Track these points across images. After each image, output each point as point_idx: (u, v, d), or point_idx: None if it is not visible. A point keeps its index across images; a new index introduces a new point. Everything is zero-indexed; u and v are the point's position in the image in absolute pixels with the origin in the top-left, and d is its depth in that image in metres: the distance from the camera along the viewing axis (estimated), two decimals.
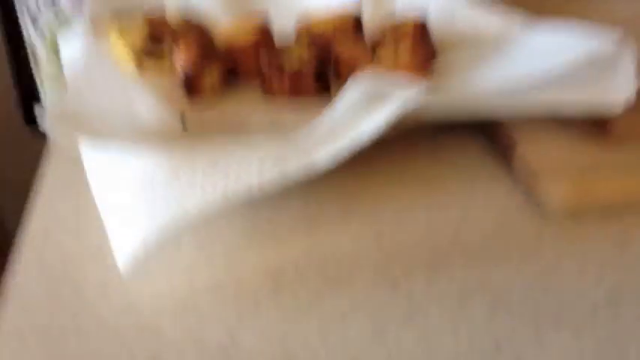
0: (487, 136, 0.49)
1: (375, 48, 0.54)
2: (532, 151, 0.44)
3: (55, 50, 1.50)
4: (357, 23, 0.57)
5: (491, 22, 0.58)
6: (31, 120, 1.66)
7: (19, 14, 1.50)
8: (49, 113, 0.41)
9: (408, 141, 0.49)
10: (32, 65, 1.54)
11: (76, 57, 0.51)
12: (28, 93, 1.63)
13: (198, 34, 0.57)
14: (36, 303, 0.36)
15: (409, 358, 0.33)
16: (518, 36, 0.54)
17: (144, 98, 0.48)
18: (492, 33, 0.56)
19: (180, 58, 0.54)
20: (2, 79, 1.59)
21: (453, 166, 0.47)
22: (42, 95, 1.60)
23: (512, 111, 0.45)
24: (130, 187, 0.38)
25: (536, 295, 0.36)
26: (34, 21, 1.53)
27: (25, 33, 1.54)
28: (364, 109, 0.43)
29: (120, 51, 0.57)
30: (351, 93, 0.43)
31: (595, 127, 0.46)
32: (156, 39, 0.59)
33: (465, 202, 0.43)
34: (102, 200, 0.39)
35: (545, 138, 0.45)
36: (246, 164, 0.39)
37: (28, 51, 1.54)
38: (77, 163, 0.45)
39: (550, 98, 0.45)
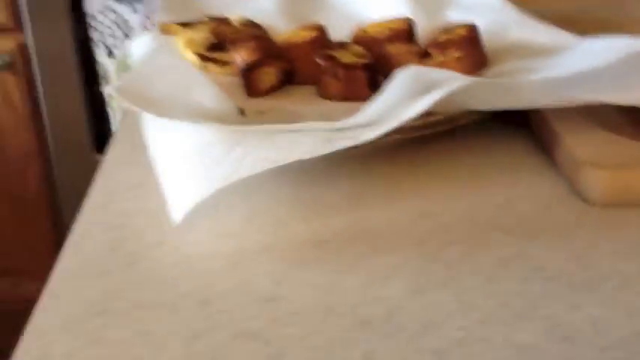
0: (531, 130, 0.50)
1: (426, 53, 0.57)
2: (575, 143, 0.46)
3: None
4: (410, 30, 0.60)
5: (541, 35, 0.60)
6: (100, 148, 1.72)
7: (93, 43, 1.58)
8: (116, 86, 0.44)
9: (454, 134, 0.50)
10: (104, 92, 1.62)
11: (145, 50, 0.55)
12: (97, 119, 1.70)
13: (258, 37, 0.61)
14: (95, 252, 0.39)
15: (444, 314, 0.34)
16: (566, 47, 0.56)
17: (205, 89, 0.51)
18: (542, 45, 0.58)
19: (242, 59, 0.57)
20: (74, 107, 1.66)
21: (497, 158, 0.48)
22: (111, 120, 1.67)
23: (554, 100, 0.47)
24: (187, 152, 0.41)
25: (571, 267, 0.37)
26: (109, 51, 1.61)
27: (98, 60, 1.61)
28: (411, 93, 0.45)
29: (186, 54, 0.61)
30: (399, 80, 0.46)
31: (636, 125, 0.47)
32: (219, 45, 0.62)
33: (507, 189, 0.45)
34: (159, 162, 0.42)
35: (589, 132, 0.47)
36: (298, 136, 0.41)
37: (100, 76, 1.62)
38: (140, 141, 0.48)
39: (591, 92, 0.47)
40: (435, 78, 0.46)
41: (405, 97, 0.45)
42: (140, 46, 0.60)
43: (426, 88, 0.45)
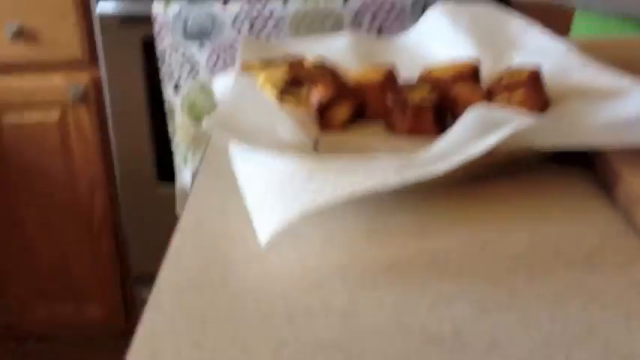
0: (591, 169, 0.53)
1: (490, 94, 0.60)
2: (634, 182, 0.48)
3: (191, 111, 1.64)
4: (475, 71, 0.63)
5: (603, 78, 0.63)
6: (163, 179, 1.78)
7: (162, 79, 1.65)
8: (210, 121, 0.49)
9: (517, 170, 0.53)
10: (168, 125, 1.68)
11: (229, 86, 0.60)
12: (161, 152, 1.77)
13: (332, 76, 0.65)
14: (190, 266, 0.43)
15: (508, 334, 0.37)
16: (628, 91, 0.59)
17: (284, 123, 0.55)
18: (604, 88, 0.61)
19: (317, 95, 0.62)
20: (141, 140, 1.73)
21: (558, 195, 0.51)
22: (175, 152, 1.73)
23: (615, 142, 0.50)
24: (272, 180, 0.45)
25: (629, 296, 0.40)
26: (176, 86, 1.68)
27: (165, 96, 1.68)
28: (478, 132, 0.48)
29: (265, 91, 0.66)
30: (466, 119, 0.49)
31: None
32: (295, 82, 0.67)
33: (568, 224, 0.48)
34: (247, 190, 0.47)
35: None
36: (372, 169, 0.45)
37: (167, 112, 1.69)
38: (224, 170, 0.53)
39: None
40: (501, 117, 0.49)
41: (473, 135, 0.49)
42: (224, 83, 0.65)
43: (493, 127, 0.48)
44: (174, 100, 1.64)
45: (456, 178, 0.51)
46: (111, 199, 1.83)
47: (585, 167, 0.54)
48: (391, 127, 0.61)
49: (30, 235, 1.85)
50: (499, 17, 0.76)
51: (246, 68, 0.67)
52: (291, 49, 0.74)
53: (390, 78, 0.63)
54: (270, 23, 1.63)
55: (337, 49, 0.74)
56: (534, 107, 0.57)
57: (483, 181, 0.53)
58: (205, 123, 0.48)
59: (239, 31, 1.61)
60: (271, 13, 1.61)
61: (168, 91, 1.63)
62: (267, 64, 0.69)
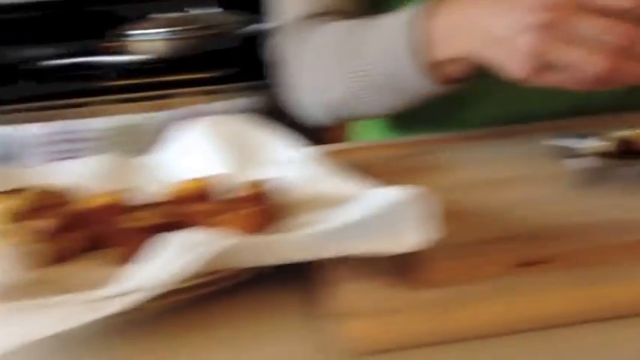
0: (304, 279, 0.52)
1: (221, 210, 0.59)
2: (341, 293, 0.48)
3: None
4: (208, 189, 0.62)
5: (339, 187, 0.63)
6: None
7: None
8: None
9: (237, 289, 0.52)
10: None
11: None
12: None
13: (63, 204, 0.62)
14: None
15: None
16: (352, 198, 0.59)
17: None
18: (337, 197, 0.61)
19: (43, 226, 0.58)
20: None
21: (271, 314, 0.50)
22: None
23: (322, 253, 0.49)
24: None
25: None
26: None
27: None
28: (176, 258, 0.47)
29: None
30: (166, 246, 0.48)
31: (406, 270, 0.50)
32: (29, 213, 0.63)
33: (276, 345, 0.47)
34: None
35: (356, 280, 0.49)
36: (62, 310, 0.43)
37: None
38: None
39: (358, 243, 0.50)
40: (200, 241, 0.48)
41: (173, 260, 0.47)
42: None
43: (191, 251, 0.47)
44: None
45: (165, 304, 0.49)
46: None
47: (303, 280, 0.53)
48: (120, 255, 0.58)
49: None
50: (252, 132, 0.76)
51: None
52: (40, 176, 0.71)
53: (118, 202, 0.61)
54: (87, 141, 1.60)
55: (88, 173, 0.72)
56: (260, 221, 0.57)
57: (200, 303, 0.51)
58: None
59: (52, 151, 1.56)
60: (87, 131, 1.58)
61: None
62: (6, 193, 0.65)
